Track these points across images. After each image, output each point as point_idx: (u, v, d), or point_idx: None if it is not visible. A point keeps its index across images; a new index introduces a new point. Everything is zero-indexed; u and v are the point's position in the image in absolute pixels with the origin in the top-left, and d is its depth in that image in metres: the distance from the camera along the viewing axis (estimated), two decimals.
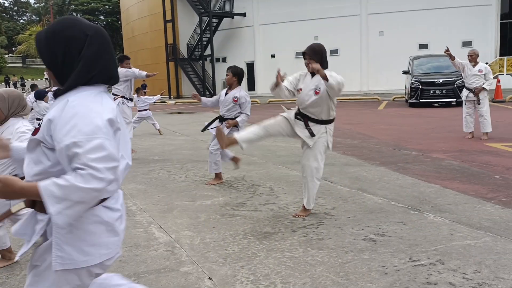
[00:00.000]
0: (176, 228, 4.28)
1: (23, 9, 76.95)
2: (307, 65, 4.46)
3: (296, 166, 6.98)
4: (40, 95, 8.67)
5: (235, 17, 31.54)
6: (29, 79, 46.75)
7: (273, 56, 29.90)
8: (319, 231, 4.06)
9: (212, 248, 3.76)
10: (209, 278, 3.18)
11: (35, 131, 1.67)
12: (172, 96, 32.98)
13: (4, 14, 72.47)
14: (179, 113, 20.51)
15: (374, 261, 3.34)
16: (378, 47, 27.17)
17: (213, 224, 4.32)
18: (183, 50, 33.39)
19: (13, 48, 58.54)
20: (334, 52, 28.29)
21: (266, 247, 3.72)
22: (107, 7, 63.21)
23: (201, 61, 31.85)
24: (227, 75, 5.95)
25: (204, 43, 31.15)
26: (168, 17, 32.80)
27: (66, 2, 65.91)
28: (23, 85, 42.27)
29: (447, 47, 8.81)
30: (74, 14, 66.26)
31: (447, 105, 16.71)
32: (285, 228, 4.17)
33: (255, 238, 3.94)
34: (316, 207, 4.79)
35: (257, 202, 5.09)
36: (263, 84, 29.60)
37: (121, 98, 8.14)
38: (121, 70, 8.24)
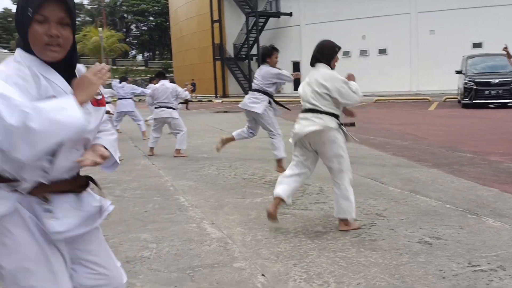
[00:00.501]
0: (228, 225, 4.34)
1: (77, 11, 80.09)
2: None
3: None
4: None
5: (281, 16, 31.59)
6: None
7: None
8: (372, 232, 4.00)
9: (263, 245, 3.78)
10: (262, 275, 3.21)
11: (101, 102, 1.68)
12: (218, 95, 33.40)
13: None
14: (225, 112, 20.76)
15: (430, 264, 3.26)
16: (429, 46, 26.42)
17: (264, 222, 4.34)
18: (230, 50, 33.75)
19: None
20: (382, 51, 27.77)
21: (318, 246, 3.71)
22: (156, 8, 64.82)
23: (247, 61, 32.07)
24: (277, 57, 5.98)
25: (251, 42, 31.37)
26: (215, 17, 33.27)
27: (118, 4, 68.06)
28: None
29: (505, 45, 8.43)
30: (125, 15, 68.39)
31: (503, 106, 16.02)
32: (336, 227, 4.13)
33: (306, 237, 3.93)
34: (368, 208, 4.73)
35: (307, 201, 5.08)
36: None
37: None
38: (171, 84, 8.57)
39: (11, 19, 70.81)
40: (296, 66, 30.51)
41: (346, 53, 28.90)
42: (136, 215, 4.76)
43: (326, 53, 4.09)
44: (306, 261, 3.40)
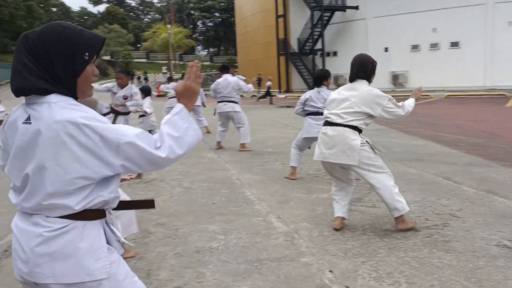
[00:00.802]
0: (294, 219, 4.34)
1: (148, 8, 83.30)
2: None
3: (414, 163, 6.69)
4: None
5: (347, 10, 30.95)
6: (152, 73, 50.42)
7: (386, 49, 28.81)
8: (445, 232, 3.84)
9: (331, 241, 3.75)
10: (330, 271, 3.18)
11: None
12: (281, 90, 33.41)
13: (131, 13, 79.07)
14: (288, 107, 20.71)
15: (511, 269, 3.07)
16: (506, 38, 24.79)
17: (330, 218, 4.29)
18: (294, 45, 33.60)
19: (138, 45, 63.57)
20: (455, 44, 26.44)
21: (387, 244, 3.61)
22: (222, 4, 65.85)
23: (311, 55, 31.78)
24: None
25: (315, 37, 31.02)
26: (280, 12, 33.24)
27: (185, 1, 69.85)
28: (146, 79, 45.75)
29: None
30: (192, 12, 69.99)
31: None
32: None
33: (375, 235, 3.85)
34: (440, 207, 4.54)
35: (375, 198, 4.95)
36: (374, 78, 28.52)
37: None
38: (233, 78, 8.59)
39: (87, 17, 74.84)
40: None
41: (415, 47, 27.85)
42: (204, 206, 4.88)
43: (369, 70, 3.96)
44: (375, 260, 3.33)
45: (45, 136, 1.42)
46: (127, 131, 1.46)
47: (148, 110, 8.65)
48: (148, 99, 8.97)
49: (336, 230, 3.98)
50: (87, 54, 1.51)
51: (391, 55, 28.35)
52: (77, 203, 1.46)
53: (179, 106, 1.60)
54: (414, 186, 5.42)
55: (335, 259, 3.38)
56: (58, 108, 1.44)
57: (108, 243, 1.60)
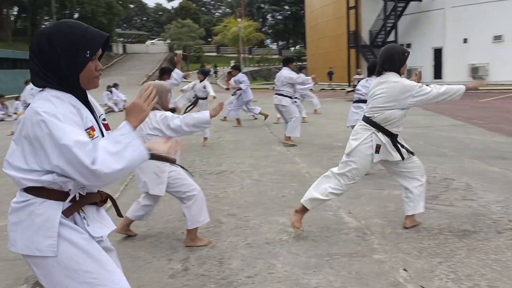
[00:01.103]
0: (365, 215, 4.25)
1: (219, 3, 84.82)
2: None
3: (496, 161, 6.30)
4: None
5: (423, 0, 29.58)
6: (221, 67, 51.38)
7: (465, 40, 27.21)
8: None
9: (404, 239, 3.62)
10: (404, 269, 3.07)
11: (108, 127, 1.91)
12: (351, 84, 32.73)
13: (203, 8, 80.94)
14: None
15: None
16: None
17: (403, 215, 4.14)
18: (365, 37, 32.72)
19: (209, 39, 64.93)
20: None
21: (466, 245, 3.43)
22: None
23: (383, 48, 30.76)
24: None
25: (388, 29, 29.97)
26: (352, 3, 32.41)
27: None
28: (215, 72, 46.68)
29: None
30: (262, 5, 70.24)
31: None
32: (488, 228, 3.78)
33: (452, 235, 3.67)
34: None
35: (452, 197, 4.73)
36: (451, 71, 27.21)
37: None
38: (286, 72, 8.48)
39: (161, 13, 77.60)
40: (438, 53, 28.42)
41: (498, 38, 26.05)
42: (273, 199, 4.91)
43: (398, 61, 3.70)
44: (453, 261, 3.17)
45: (24, 118, 1.61)
46: (70, 136, 1.52)
47: (212, 94, 9.19)
48: (207, 82, 9.42)
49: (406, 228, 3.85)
50: (88, 52, 1.64)
51: (470, 46, 26.77)
52: (27, 179, 1.60)
53: (123, 123, 1.65)
54: (496, 185, 5.10)
55: (410, 257, 3.27)
56: (39, 97, 1.63)
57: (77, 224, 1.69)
